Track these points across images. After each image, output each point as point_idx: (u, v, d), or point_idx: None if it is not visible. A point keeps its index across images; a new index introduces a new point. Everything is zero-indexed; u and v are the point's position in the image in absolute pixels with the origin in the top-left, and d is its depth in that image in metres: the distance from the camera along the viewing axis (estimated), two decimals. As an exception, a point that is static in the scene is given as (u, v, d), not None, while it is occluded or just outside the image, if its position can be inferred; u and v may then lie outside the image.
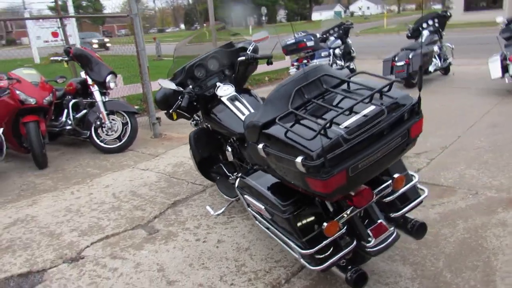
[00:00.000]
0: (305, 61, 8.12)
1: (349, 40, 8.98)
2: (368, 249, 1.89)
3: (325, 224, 1.80)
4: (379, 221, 1.93)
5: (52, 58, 5.42)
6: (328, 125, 1.57)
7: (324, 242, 1.80)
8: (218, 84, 2.92)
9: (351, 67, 9.01)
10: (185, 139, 3.92)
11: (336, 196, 1.68)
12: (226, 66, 3.03)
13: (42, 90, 4.37)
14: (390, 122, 1.62)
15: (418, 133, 1.73)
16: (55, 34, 15.11)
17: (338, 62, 8.56)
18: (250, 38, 3.14)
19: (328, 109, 1.71)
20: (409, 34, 7.76)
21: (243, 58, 2.97)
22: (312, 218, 1.87)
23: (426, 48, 7.02)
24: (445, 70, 7.79)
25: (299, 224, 1.85)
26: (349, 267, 1.86)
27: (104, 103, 4.70)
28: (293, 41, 8.06)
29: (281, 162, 1.71)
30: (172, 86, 2.67)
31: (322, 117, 1.67)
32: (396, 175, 1.95)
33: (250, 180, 2.12)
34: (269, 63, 3.08)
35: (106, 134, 4.74)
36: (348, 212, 1.86)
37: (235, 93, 2.83)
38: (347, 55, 8.85)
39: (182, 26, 78.96)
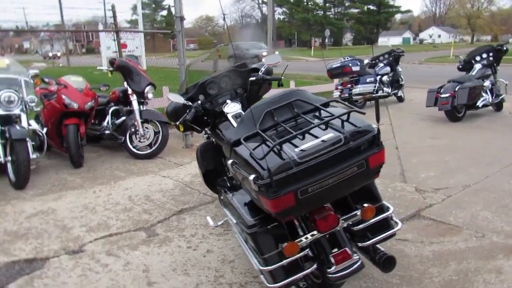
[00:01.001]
0: (349, 85, 8.09)
1: (399, 68, 8.83)
2: (329, 275, 1.90)
3: (284, 244, 1.84)
4: (344, 248, 1.93)
5: (98, 68, 5.92)
6: (279, 146, 1.64)
7: (281, 262, 1.85)
8: (227, 101, 3.06)
9: (399, 94, 8.83)
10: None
11: (286, 216, 1.73)
12: (238, 85, 3.17)
13: (85, 96, 4.79)
14: (345, 150, 1.65)
15: (379, 164, 1.74)
16: (124, 46, 16.34)
17: (385, 89, 8.42)
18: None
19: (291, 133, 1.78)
20: (460, 66, 7.47)
21: (253, 78, 3.10)
22: (275, 236, 1.92)
23: (475, 82, 6.71)
24: (497, 106, 7.36)
25: (261, 241, 1.90)
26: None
27: (140, 112, 5.04)
28: (338, 64, 8.10)
29: (243, 179, 1.80)
30: (181, 100, 2.85)
31: (282, 139, 1.74)
32: (366, 205, 1.95)
33: (229, 194, 2.22)
34: (280, 85, 3.19)
35: (139, 141, 5.06)
36: (309, 236, 1.89)
37: (241, 111, 2.95)
38: (395, 83, 8.69)
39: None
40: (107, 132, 5.26)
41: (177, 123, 3.02)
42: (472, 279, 2.34)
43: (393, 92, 8.62)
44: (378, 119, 1.72)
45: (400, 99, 8.94)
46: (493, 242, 2.75)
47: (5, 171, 4.10)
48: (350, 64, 7.99)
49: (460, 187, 3.79)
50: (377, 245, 2.08)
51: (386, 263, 1.97)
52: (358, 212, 1.95)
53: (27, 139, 3.98)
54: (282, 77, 3.27)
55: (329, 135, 1.70)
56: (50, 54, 33.30)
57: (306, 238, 1.89)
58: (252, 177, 1.64)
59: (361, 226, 1.98)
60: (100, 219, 3.29)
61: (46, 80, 4.64)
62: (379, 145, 1.70)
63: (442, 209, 3.31)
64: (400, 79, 8.74)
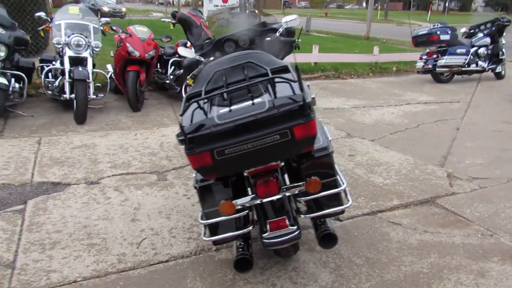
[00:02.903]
0: (434, 55, 7.34)
1: (502, 40, 7.69)
2: (262, 239, 1.92)
3: (222, 202, 1.90)
4: (283, 217, 1.92)
5: (162, 20, 6.21)
6: (208, 106, 1.67)
7: (217, 219, 1.92)
8: None
9: (498, 70, 7.77)
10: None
11: (208, 174, 1.76)
12: (257, 45, 3.14)
13: (147, 45, 5.15)
14: (267, 117, 1.61)
15: (307, 136, 1.65)
16: (225, 0, 16.73)
17: (480, 63, 7.46)
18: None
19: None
20: None
21: (268, 38, 3.04)
22: (219, 194, 1.98)
23: None
24: None
25: (204, 196, 1.98)
26: (240, 250, 1.93)
27: (197, 65, 5.26)
28: (425, 31, 7.37)
29: None
30: (191, 55, 2.95)
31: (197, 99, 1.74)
32: (313, 178, 1.89)
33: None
34: (296, 47, 3.09)
35: (192, 93, 5.32)
36: (248, 198, 1.91)
37: None
38: (494, 57, 7.63)
39: (364, 4, 76.52)
40: (167, 81, 5.63)
41: (188, 77, 3.14)
42: (445, 276, 2.14)
43: (490, 67, 7.59)
44: (300, 87, 1.61)
45: (499, 76, 7.84)
46: (498, 243, 2.44)
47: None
48: (438, 32, 7.19)
49: (504, 180, 3.34)
50: (327, 220, 2.02)
51: (325, 239, 1.92)
52: (302, 184, 1.91)
53: (88, 80, 4.48)
54: (299, 40, 3.16)
55: (258, 99, 1.67)
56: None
57: (245, 200, 1.92)
58: (177, 131, 1.70)
59: (306, 198, 1.94)
60: (126, 159, 3.65)
61: (114, 28, 5.08)
62: (307, 116, 1.61)
63: (463, 200, 2.99)
64: (501, 52, 7.62)
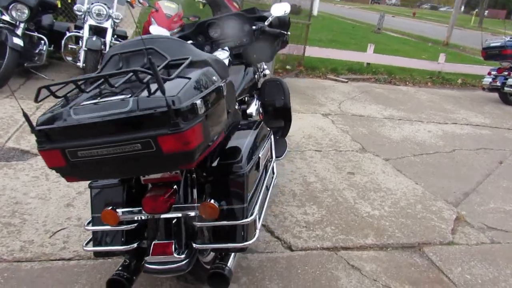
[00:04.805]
0: (505, 72, 6.34)
1: None
2: (144, 263, 1.60)
3: (104, 209, 1.60)
4: (171, 241, 1.58)
5: None
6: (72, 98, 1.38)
7: (97, 228, 1.64)
8: (225, 49, 2.72)
9: None
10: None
11: (67, 177, 1.43)
12: (244, 33, 2.76)
13: (172, 22, 4.94)
14: (125, 119, 1.25)
15: (177, 151, 1.27)
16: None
17: None
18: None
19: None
20: None
21: (254, 27, 2.65)
22: (110, 198, 1.69)
23: None
24: None
25: (94, 198, 1.70)
26: (118, 269, 1.63)
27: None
28: (497, 43, 6.38)
29: None
30: (164, 34, 2.64)
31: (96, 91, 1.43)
32: (208, 202, 1.52)
33: None
34: (284, 41, 2.67)
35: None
36: (134, 210, 1.60)
37: (223, 61, 2.59)
38: None
39: (462, 7, 70.33)
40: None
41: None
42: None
43: None
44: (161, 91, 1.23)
45: None
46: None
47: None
48: (513, 46, 6.18)
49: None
50: (232, 255, 1.64)
51: (212, 278, 1.55)
52: (195, 206, 1.55)
53: (100, 50, 4.37)
54: (288, 33, 2.72)
55: (127, 96, 1.32)
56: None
57: (129, 212, 1.61)
58: None
59: (199, 224, 1.58)
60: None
61: (141, 1, 4.93)
62: (174, 126, 1.23)
63: (459, 254, 2.40)
64: None
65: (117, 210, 1.59)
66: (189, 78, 1.41)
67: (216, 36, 2.77)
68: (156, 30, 2.65)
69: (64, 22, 5.54)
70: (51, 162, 1.36)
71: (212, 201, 1.53)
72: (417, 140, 4.34)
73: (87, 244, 1.69)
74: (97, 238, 1.67)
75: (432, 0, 74.19)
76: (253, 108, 2.62)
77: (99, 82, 1.45)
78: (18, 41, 4.20)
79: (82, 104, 1.33)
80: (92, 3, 4.50)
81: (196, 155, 1.33)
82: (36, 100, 1.36)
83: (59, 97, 1.38)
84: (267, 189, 1.97)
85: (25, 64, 4.61)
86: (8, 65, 4.10)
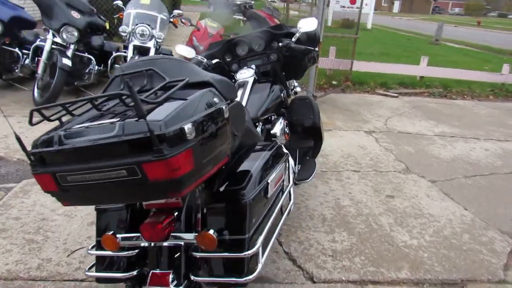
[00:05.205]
0: None
1: None
2: (142, 292, 1.53)
3: (104, 234, 1.56)
4: (169, 271, 1.50)
5: (234, 16, 5.94)
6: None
7: (100, 252, 1.60)
8: (251, 67, 2.66)
9: None
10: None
11: (62, 201, 1.40)
12: (272, 50, 2.67)
13: (213, 40, 4.97)
14: (110, 144, 1.19)
15: (163, 179, 1.18)
16: (353, 1, 15.90)
17: None
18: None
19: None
20: None
21: (280, 44, 2.55)
22: (115, 222, 1.64)
23: None
24: None
25: (99, 221, 1.67)
26: None
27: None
28: None
29: None
30: (189, 54, 2.61)
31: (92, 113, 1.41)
32: (206, 231, 1.42)
33: None
34: (311, 58, 2.55)
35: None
36: (134, 238, 1.54)
37: (248, 80, 2.51)
38: None
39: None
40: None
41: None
42: None
43: None
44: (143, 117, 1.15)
45: None
46: None
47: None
48: None
49: None
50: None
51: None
52: (192, 236, 1.46)
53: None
54: (316, 49, 2.58)
55: (116, 120, 1.26)
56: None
57: (129, 238, 1.55)
58: None
59: (197, 254, 1.48)
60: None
61: (183, 20, 5.02)
62: (158, 153, 1.14)
63: (510, 295, 2.09)
64: None
65: (117, 235, 1.54)
66: (185, 100, 1.33)
67: (243, 53, 2.72)
68: (181, 49, 2.63)
69: (114, 43, 5.81)
70: (45, 186, 1.33)
71: (211, 231, 1.42)
72: (471, 159, 3.96)
73: (89, 269, 1.65)
74: (100, 263, 1.63)
75: (500, 8, 69.67)
76: (277, 128, 2.50)
77: (98, 103, 1.42)
78: (67, 62, 4.43)
79: (73, 127, 1.30)
80: (137, 24, 4.66)
81: (186, 183, 1.24)
82: (30, 123, 1.35)
83: (51, 120, 1.37)
84: (281, 215, 1.84)
85: (75, 83, 4.87)
86: (57, 84, 4.33)
